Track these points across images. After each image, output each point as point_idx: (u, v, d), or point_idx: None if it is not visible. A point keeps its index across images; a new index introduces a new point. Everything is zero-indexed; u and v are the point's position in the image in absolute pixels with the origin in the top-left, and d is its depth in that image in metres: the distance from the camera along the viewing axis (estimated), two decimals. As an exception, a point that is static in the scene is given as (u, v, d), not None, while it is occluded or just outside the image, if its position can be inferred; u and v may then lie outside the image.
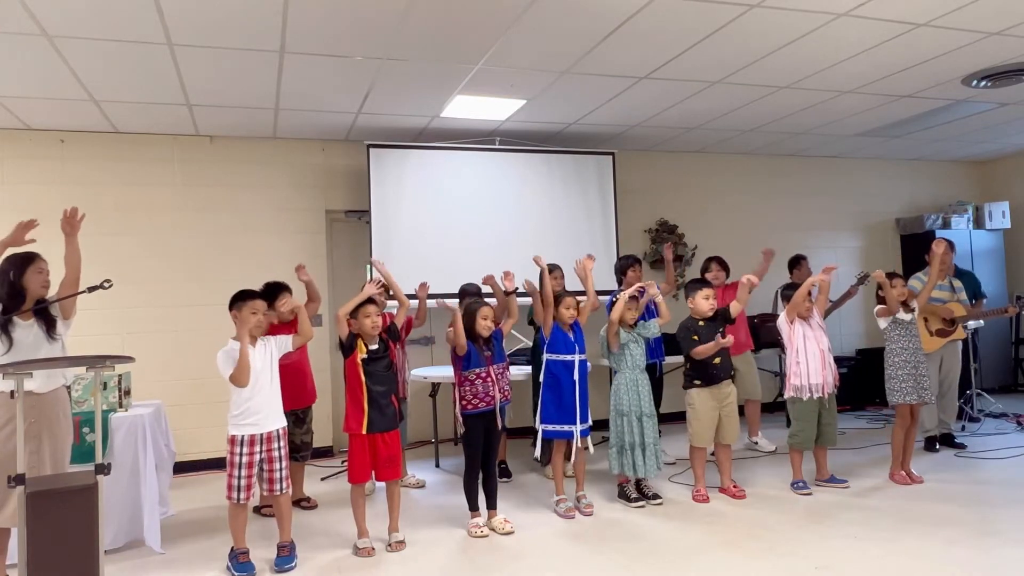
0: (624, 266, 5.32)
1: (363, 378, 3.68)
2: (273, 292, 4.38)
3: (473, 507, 3.98)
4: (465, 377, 3.94)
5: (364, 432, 3.66)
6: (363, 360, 3.70)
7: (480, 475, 4.00)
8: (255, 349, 3.53)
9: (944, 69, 4.98)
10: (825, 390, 4.42)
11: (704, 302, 4.42)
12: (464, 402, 3.94)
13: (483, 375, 3.94)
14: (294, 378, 4.24)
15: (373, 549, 3.66)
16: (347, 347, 3.73)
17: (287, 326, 4.27)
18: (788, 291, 4.73)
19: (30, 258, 3.35)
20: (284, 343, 3.69)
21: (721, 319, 4.45)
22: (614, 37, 4.20)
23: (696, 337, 4.38)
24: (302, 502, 4.56)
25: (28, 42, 3.92)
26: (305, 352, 4.47)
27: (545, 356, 4.24)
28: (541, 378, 4.25)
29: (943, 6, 3.93)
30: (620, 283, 5.32)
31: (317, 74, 4.63)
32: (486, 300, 4.20)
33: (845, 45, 4.47)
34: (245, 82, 4.71)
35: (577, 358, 4.20)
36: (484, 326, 3.98)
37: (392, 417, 3.75)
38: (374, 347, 3.75)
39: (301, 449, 4.55)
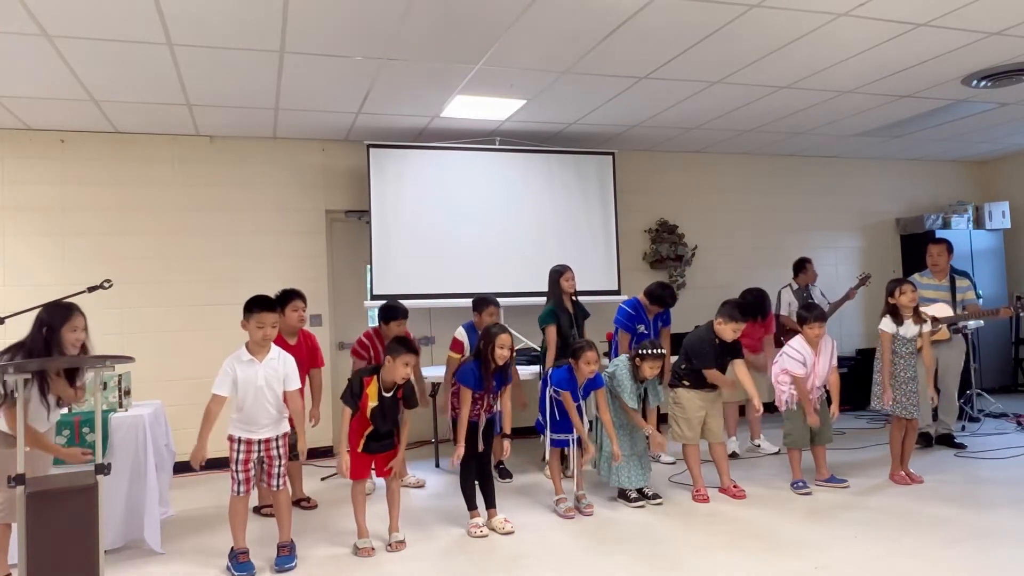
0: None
1: (369, 421, 3.67)
2: (285, 299, 4.38)
3: (471, 507, 3.98)
4: (460, 387, 3.95)
5: (359, 451, 3.71)
6: (373, 408, 3.65)
7: (477, 476, 4.01)
8: (261, 364, 3.51)
9: (944, 69, 4.98)
10: (816, 403, 4.49)
11: (732, 334, 4.38)
12: (453, 411, 4.02)
13: (476, 395, 3.95)
14: None
15: (373, 549, 3.66)
16: (355, 395, 3.64)
17: (293, 348, 4.26)
18: (804, 312, 4.56)
19: (68, 313, 3.19)
20: (291, 378, 3.58)
21: (731, 351, 4.45)
22: (614, 37, 4.20)
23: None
24: (302, 502, 4.56)
25: (28, 42, 3.92)
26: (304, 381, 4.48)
27: (551, 389, 4.24)
28: (546, 399, 4.28)
29: (943, 6, 3.93)
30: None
31: (317, 74, 4.63)
32: (506, 326, 4.07)
33: (845, 45, 4.47)
34: (245, 82, 4.71)
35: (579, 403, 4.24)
36: (501, 355, 3.85)
37: (389, 442, 3.76)
38: (388, 394, 3.68)
39: (293, 448, 4.54)
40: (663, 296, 5.19)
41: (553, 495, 4.29)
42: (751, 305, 5.29)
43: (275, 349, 3.59)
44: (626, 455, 4.26)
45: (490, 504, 4.01)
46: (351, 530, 3.81)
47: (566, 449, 4.29)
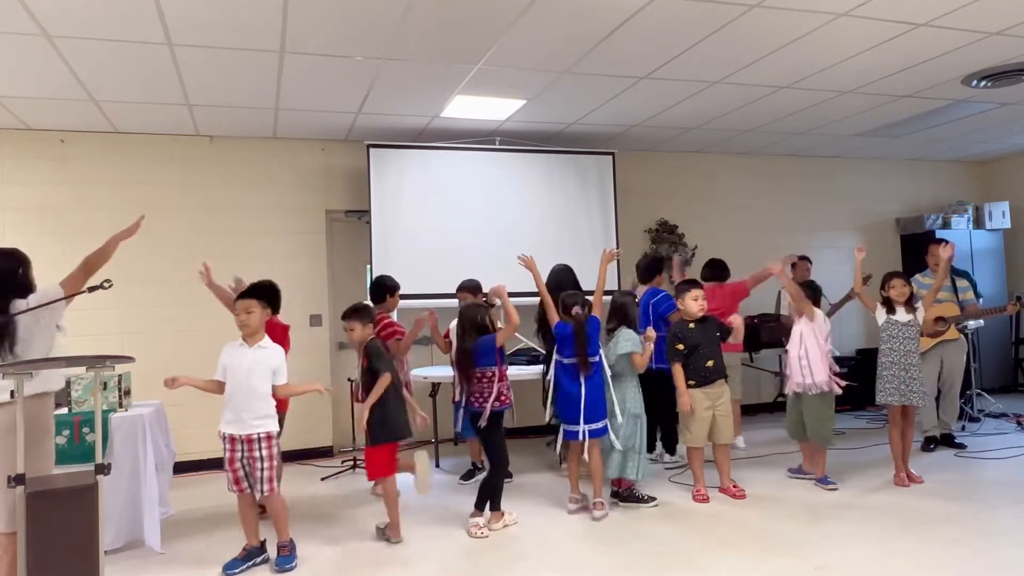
0: (657, 269, 5.44)
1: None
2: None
3: (495, 507, 3.98)
4: (504, 372, 4.01)
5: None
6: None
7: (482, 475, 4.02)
8: (250, 349, 3.54)
9: (944, 69, 4.98)
10: (824, 386, 4.45)
11: (693, 303, 4.42)
12: (504, 397, 3.98)
13: (477, 374, 4.00)
14: None
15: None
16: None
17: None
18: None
19: None
20: (280, 372, 3.60)
21: (714, 325, 4.47)
22: (614, 37, 4.20)
23: (681, 345, 4.40)
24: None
25: (28, 42, 3.92)
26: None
27: (554, 356, 4.26)
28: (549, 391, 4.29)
29: (943, 6, 3.93)
30: (646, 281, 5.40)
31: (317, 74, 4.63)
32: (491, 304, 4.20)
33: (845, 45, 4.47)
34: (245, 82, 4.71)
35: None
36: None
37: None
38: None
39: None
40: (657, 265, 5.46)
41: (568, 492, 4.28)
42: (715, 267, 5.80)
43: (268, 340, 3.62)
44: (632, 447, 4.25)
45: (492, 506, 4.01)
46: (352, 530, 3.81)
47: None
